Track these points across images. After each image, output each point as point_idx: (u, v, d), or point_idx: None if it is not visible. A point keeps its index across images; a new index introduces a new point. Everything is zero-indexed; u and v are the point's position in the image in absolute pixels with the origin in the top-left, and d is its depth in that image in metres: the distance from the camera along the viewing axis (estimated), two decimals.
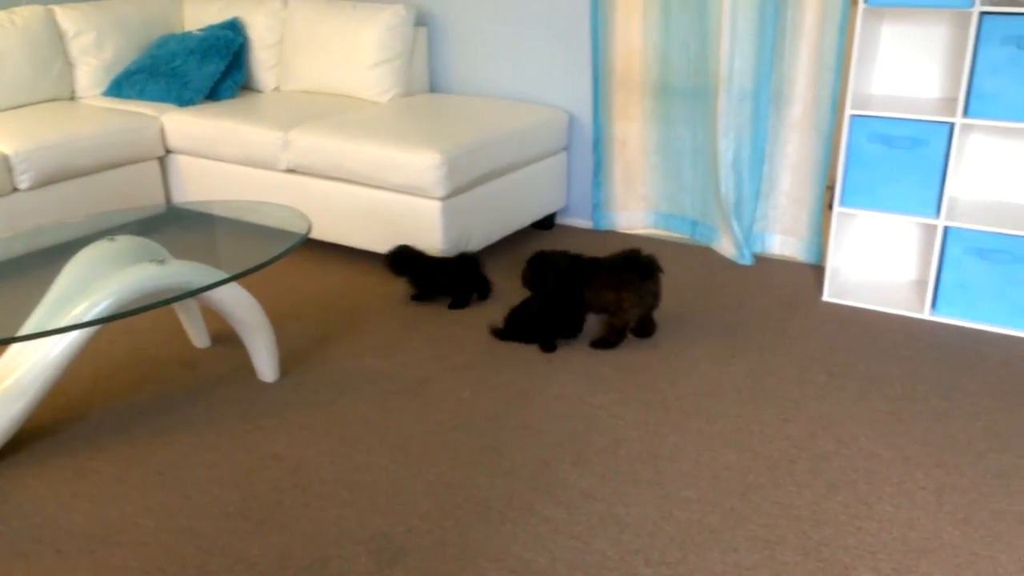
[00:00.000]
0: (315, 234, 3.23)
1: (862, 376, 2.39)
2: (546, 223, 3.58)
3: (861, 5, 2.53)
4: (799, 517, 1.83)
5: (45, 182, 3.12)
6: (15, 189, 3.07)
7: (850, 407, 2.24)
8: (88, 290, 2.01)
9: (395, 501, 1.90)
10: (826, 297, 2.87)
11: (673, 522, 1.82)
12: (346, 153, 2.98)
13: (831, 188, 2.90)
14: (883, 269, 3.04)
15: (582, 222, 3.61)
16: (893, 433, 2.12)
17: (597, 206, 3.51)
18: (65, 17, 3.67)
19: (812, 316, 2.76)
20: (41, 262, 2.36)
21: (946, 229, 2.64)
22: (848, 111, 2.65)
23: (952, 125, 2.55)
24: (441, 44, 3.69)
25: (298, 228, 2.40)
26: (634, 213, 3.50)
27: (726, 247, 3.24)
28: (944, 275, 2.68)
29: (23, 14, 3.54)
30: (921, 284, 2.93)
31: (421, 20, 3.70)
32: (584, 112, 3.46)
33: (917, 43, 2.78)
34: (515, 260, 3.25)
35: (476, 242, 3.08)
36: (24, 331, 1.94)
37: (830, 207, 2.81)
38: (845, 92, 2.92)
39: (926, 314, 2.73)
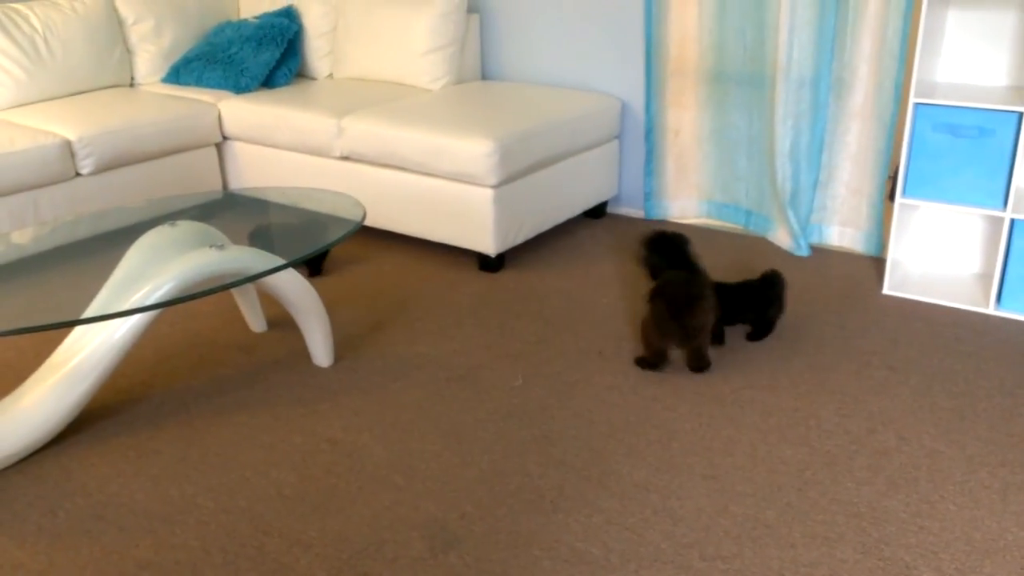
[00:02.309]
0: (368, 221, 3.25)
1: (924, 371, 2.33)
2: (597, 212, 3.56)
3: None
4: (858, 514, 1.79)
5: (106, 167, 3.19)
6: (78, 174, 3.13)
7: (911, 403, 2.19)
8: (150, 275, 2.05)
9: (448, 488, 1.91)
10: (886, 290, 2.80)
11: (728, 516, 1.80)
12: (399, 140, 2.99)
13: (893, 178, 2.83)
14: (946, 262, 2.96)
15: (633, 211, 3.58)
16: (956, 430, 2.07)
17: (649, 195, 3.47)
18: (125, 5, 3.73)
19: (872, 309, 2.70)
20: (103, 246, 2.41)
21: (1013, 221, 2.56)
22: (912, 99, 2.58)
23: (1021, 114, 2.47)
24: (493, 31, 3.68)
25: (353, 215, 2.42)
26: (686, 202, 3.46)
27: (782, 238, 3.19)
28: (1010, 269, 2.60)
29: (85, 1, 3.61)
30: (986, 278, 2.85)
31: (473, 7, 3.69)
32: (637, 100, 3.42)
33: (984, 30, 2.69)
34: (566, 249, 3.23)
35: (526, 230, 3.08)
36: (88, 314, 1.99)
37: (891, 198, 2.74)
38: (909, 80, 2.85)
39: (991, 309, 2.66)
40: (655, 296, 2.26)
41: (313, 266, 3.03)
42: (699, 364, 2.34)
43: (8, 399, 2.06)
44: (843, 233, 3.15)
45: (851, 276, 2.94)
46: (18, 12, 3.43)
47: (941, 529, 1.75)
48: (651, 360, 2.36)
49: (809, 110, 3.00)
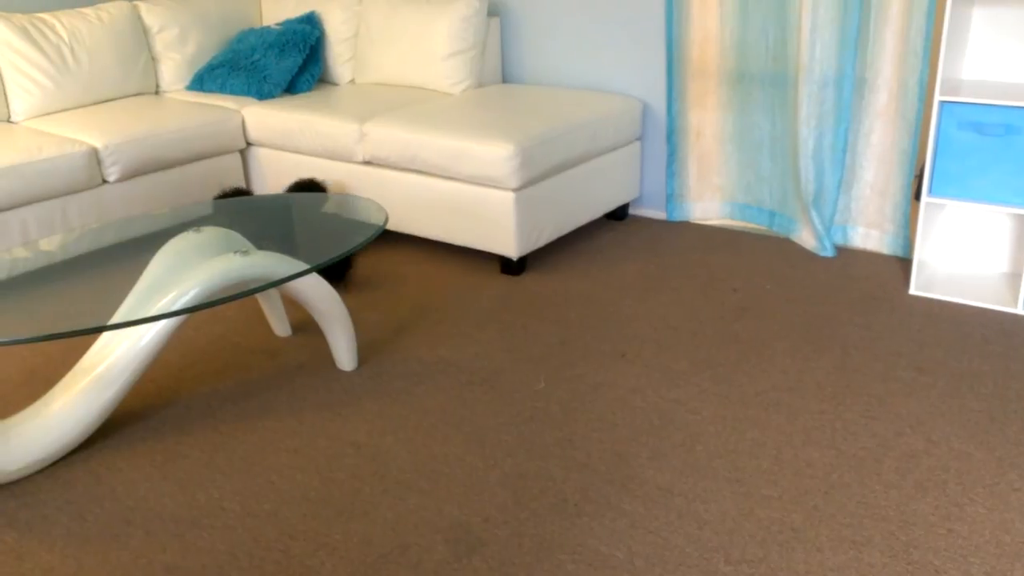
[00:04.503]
0: (391, 225, 3.27)
1: (952, 373, 2.31)
2: (619, 214, 3.55)
3: None
4: (886, 518, 1.77)
5: (132, 174, 3.22)
6: (104, 181, 3.17)
7: (939, 405, 2.16)
8: (176, 280, 2.07)
9: (471, 491, 1.91)
10: (913, 290, 2.77)
11: (754, 520, 1.78)
12: (420, 144, 3.00)
13: (919, 177, 2.80)
14: (973, 261, 2.92)
15: (655, 213, 3.57)
16: (985, 432, 2.04)
17: (671, 197, 3.46)
18: (149, 13, 3.77)
19: (898, 310, 2.67)
20: (129, 252, 2.44)
21: None
22: (937, 97, 2.55)
23: None
24: (514, 35, 3.69)
25: (375, 219, 2.43)
26: (709, 203, 3.44)
27: (806, 238, 3.16)
28: None
29: (110, 10, 3.66)
30: (1014, 277, 2.82)
31: (494, 11, 3.70)
32: (658, 102, 3.41)
33: (1010, 26, 2.66)
34: (588, 252, 3.23)
35: (548, 233, 3.08)
36: (115, 320, 2.01)
37: (917, 197, 2.71)
38: (933, 78, 2.82)
39: (1019, 308, 2.62)
40: None
41: (336, 273, 3.02)
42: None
43: (37, 404, 2.09)
44: (868, 234, 3.12)
45: (877, 277, 2.92)
46: (44, 22, 3.48)
47: (970, 532, 1.73)
48: None
49: (832, 110, 2.98)
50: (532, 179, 2.92)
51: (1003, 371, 2.30)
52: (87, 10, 3.62)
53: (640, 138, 3.47)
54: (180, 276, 2.08)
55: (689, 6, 3.19)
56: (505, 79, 3.78)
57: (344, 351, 2.42)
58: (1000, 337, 2.48)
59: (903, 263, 3.01)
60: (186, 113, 3.43)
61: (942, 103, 2.56)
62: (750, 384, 2.29)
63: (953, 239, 2.93)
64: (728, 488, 1.89)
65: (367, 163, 3.25)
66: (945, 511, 1.79)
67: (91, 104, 3.60)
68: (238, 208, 2.71)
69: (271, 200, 2.75)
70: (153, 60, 3.82)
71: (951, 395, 2.20)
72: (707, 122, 3.32)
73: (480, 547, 1.74)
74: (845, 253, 3.12)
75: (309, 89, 3.76)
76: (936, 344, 2.46)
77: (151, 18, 3.77)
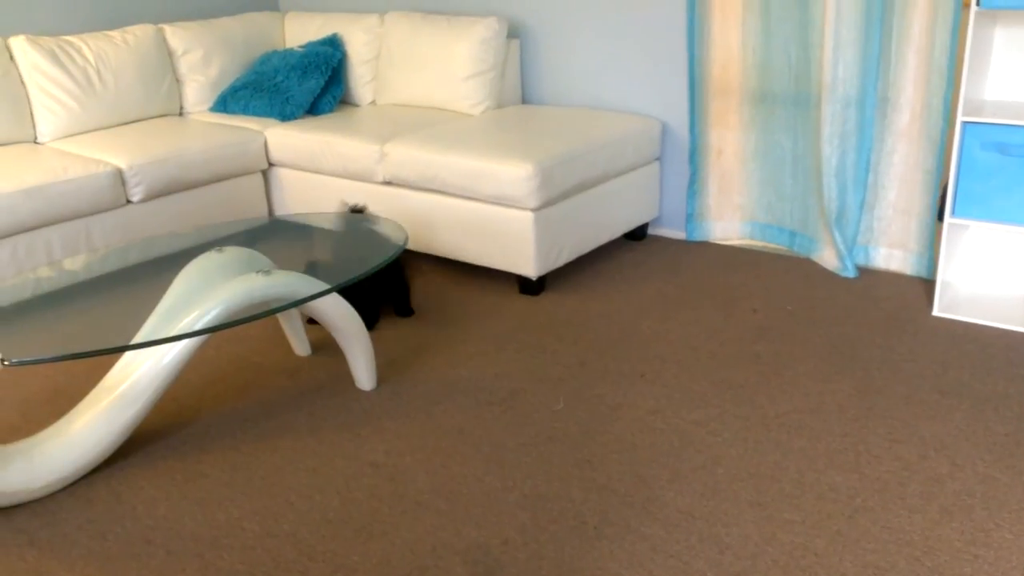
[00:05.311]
0: (411, 245, 3.28)
1: (977, 396, 2.28)
2: (638, 234, 3.55)
3: (973, 8, 2.43)
4: (911, 543, 1.75)
5: (156, 195, 3.26)
6: (128, 201, 3.21)
7: (964, 428, 2.14)
8: (198, 300, 2.08)
9: (490, 512, 1.90)
10: (936, 312, 2.74)
11: (776, 544, 1.76)
12: (440, 165, 3.02)
13: (943, 197, 2.78)
14: (998, 283, 2.89)
15: (675, 233, 3.56)
16: (1011, 456, 2.01)
17: (691, 216, 3.45)
18: (174, 36, 3.83)
19: (921, 332, 2.64)
20: (152, 272, 2.46)
21: None
22: (960, 118, 2.54)
23: None
24: (533, 56, 3.71)
25: (396, 239, 2.44)
26: (729, 223, 3.43)
27: (828, 259, 3.14)
28: None
29: (135, 33, 3.72)
30: None
31: (513, 32, 3.72)
32: (678, 121, 3.41)
33: None
34: (607, 272, 3.22)
35: (567, 253, 3.08)
36: (138, 339, 2.03)
37: (940, 217, 2.69)
38: (957, 98, 2.80)
39: None
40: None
41: (401, 307, 2.94)
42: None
43: (61, 423, 2.11)
44: (891, 254, 3.10)
45: (899, 298, 2.89)
46: (71, 44, 3.54)
47: (996, 558, 1.70)
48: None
49: (855, 130, 2.97)
50: (551, 199, 2.92)
51: None
52: (113, 33, 3.68)
53: (659, 158, 3.47)
54: (202, 296, 2.09)
55: (711, 25, 3.19)
56: (525, 100, 3.80)
57: (363, 370, 2.43)
58: None
59: (926, 284, 2.98)
60: (209, 134, 3.47)
61: (965, 124, 2.55)
62: (771, 406, 2.27)
63: (977, 260, 2.90)
64: (750, 512, 1.87)
65: (387, 183, 3.27)
66: (971, 536, 1.76)
67: (116, 125, 3.65)
68: (260, 228, 2.73)
69: (296, 220, 2.77)
70: (177, 82, 3.87)
71: (976, 418, 2.17)
72: (728, 141, 3.32)
73: (499, 569, 1.73)
74: (867, 274, 3.10)
75: (331, 110, 3.79)
76: (960, 366, 2.43)
77: (176, 41, 3.83)
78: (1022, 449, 2.04)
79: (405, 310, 2.94)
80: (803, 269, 3.16)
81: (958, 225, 2.72)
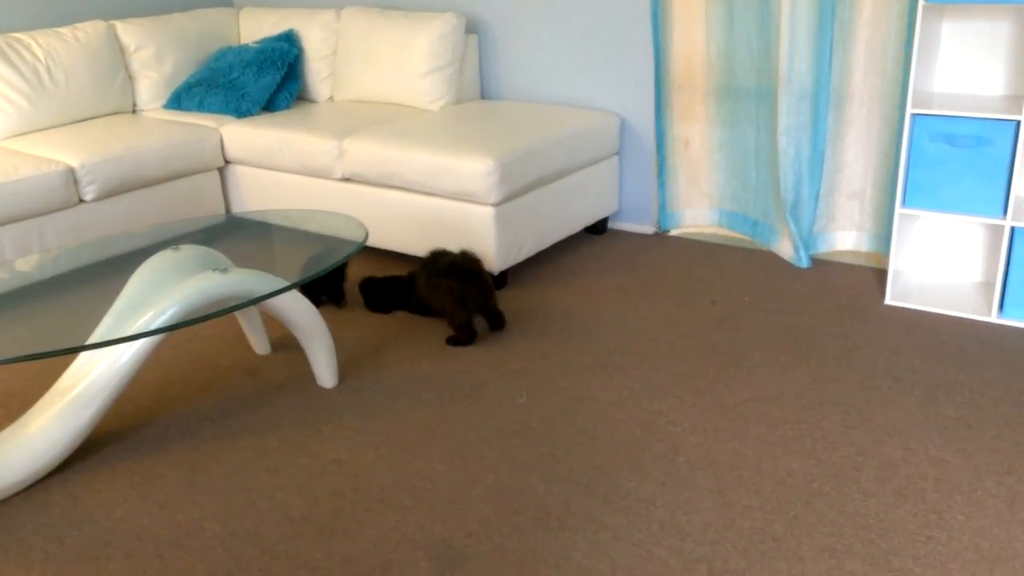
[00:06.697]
0: (371, 241, 3.27)
1: (928, 381, 2.33)
2: (598, 228, 3.57)
3: (920, 2, 2.48)
4: (866, 526, 1.79)
5: (109, 193, 3.21)
6: (81, 200, 3.16)
7: (916, 413, 2.19)
8: (154, 299, 2.06)
9: (454, 507, 1.90)
10: (888, 300, 2.81)
11: (736, 530, 1.79)
12: (399, 161, 3.01)
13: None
14: (948, 271, 2.96)
15: (634, 226, 3.59)
16: (962, 440, 2.07)
17: (662, 206, 3.48)
18: (126, 32, 3.76)
19: (874, 320, 2.70)
20: (107, 271, 2.42)
21: (1013, 230, 2.56)
22: (909, 110, 2.59)
23: (1018, 123, 2.48)
24: (492, 51, 3.71)
25: (355, 236, 2.43)
26: (698, 210, 3.47)
27: (784, 249, 3.20)
28: (1011, 277, 2.60)
29: (86, 30, 3.65)
30: (988, 286, 2.86)
31: (471, 28, 3.72)
32: (636, 115, 3.44)
33: (979, 40, 2.71)
34: (568, 265, 3.24)
35: (528, 248, 3.09)
36: (93, 339, 2.00)
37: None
38: (906, 91, 2.86)
39: (993, 317, 2.66)
40: (442, 278, 2.57)
41: (335, 295, 2.96)
42: (500, 321, 2.70)
43: (14, 426, 2.07)
44: (845, 243, 3.16)
45: (853, 287, 2.95)
46: (20, 41, 3.47)
47: (949, 539, 1.74)
48: (465, 336, 2.63)
49: (810, 122, 3.02)
50: (511, 194, 2.93)
51: (978, 379, 2.33)
52: (63, 29, 3.61)
53: (619, 152, 3.50)
54: (158, 295, 2.07)
55: (673, 21, 3.22)
56: (484, 96, 3.80)
57: (324, 368, 2.42)
58: (975, 346, 2.52)
59: (878, 273, 3.05)
60: (163, 131, 3.42)
61: (914, 115, 2.60)
62: (730, 395, 2.31)
63: (927, 249, 2.97)
64: (710, 499, 1.89)
65: (346, 180, 3.25)
66: (924, 518, 1.80)
67: (68, 123, 3.59)
68: (217, 226, 2.70)
69: (254, 218, 2.75)
70: (130, 79, 3.81)
71: (928, 403, 2.23)
72: (695, 132, 3.35)
73: (463, 563, 1.74)
74: (822, 264, 3.15)
75: (288, 107, 3.76)
76: (912, 353, 2.48)
77: (128, 37, 3.76)
78: (972, 432, 2.09)
79: (338, 297, 2.97)
80: (760, 260, 3.21)
81: (908, 215, 2.78)
